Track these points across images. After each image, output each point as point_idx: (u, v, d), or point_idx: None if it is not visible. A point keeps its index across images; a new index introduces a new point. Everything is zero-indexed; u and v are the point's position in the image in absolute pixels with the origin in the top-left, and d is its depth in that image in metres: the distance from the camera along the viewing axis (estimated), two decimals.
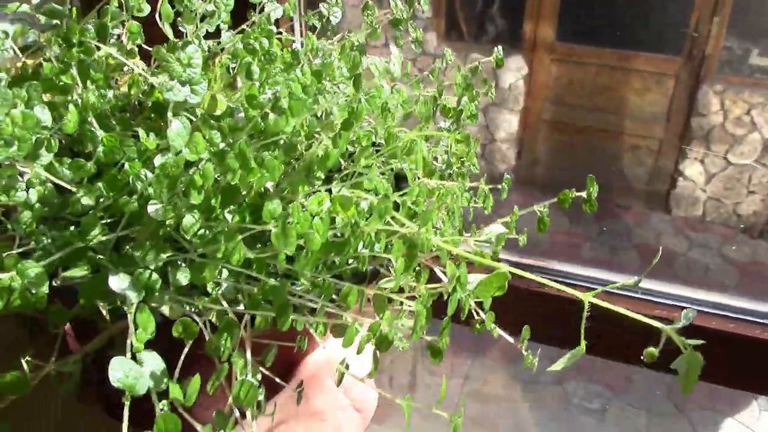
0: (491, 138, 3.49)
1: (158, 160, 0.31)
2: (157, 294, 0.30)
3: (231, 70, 0.40)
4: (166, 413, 0.26)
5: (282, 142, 0.34)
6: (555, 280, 0.88)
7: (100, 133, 0.34)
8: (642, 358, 0.32)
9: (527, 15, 3.69)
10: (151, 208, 0.31)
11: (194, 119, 0.35)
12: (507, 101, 3.59)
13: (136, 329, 0.26)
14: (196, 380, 0.27)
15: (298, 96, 0.35)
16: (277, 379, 0.36)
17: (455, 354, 3.07)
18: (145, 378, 0.26)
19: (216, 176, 0.32)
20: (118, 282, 0.28)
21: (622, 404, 2.84)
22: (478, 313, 0.43)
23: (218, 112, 0.37)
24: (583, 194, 0.45)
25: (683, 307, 0.85)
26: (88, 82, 0.36)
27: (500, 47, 0.48)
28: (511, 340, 0.46)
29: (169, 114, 0.32)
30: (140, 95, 0.39)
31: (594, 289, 0.87)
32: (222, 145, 0.32)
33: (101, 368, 0.35)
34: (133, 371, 0.26)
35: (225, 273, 0.32)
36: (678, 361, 0.30)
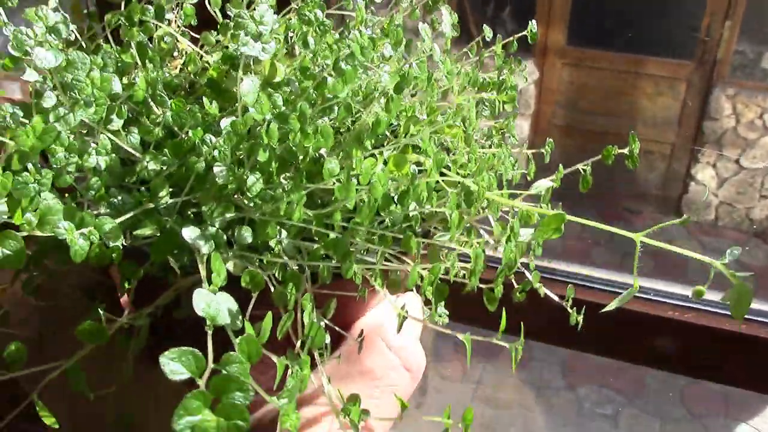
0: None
1: (224, 122, 0.33)
2: (221, 251, 0.30)
3: (288, 40, 0.41)
4: (248, 336, 0.26)
5: (336, 109, 0.34)
6: (569, 283, 0.88)
7: (168, 100, 0.35)
8: (690, 296, 0.33)
9: (538, 19, 3.69)
10: (217, 169, 0.32)
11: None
12: (518, 106, 3.60)
13: (209, 276, 0.26)
14: (268, 318, 0.28)
15: (355, 58, 0.36)
16: (338, 329, 0.37)
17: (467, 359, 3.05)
18: (223, 312, 0.26)
19: (277, 139, 0.32)
20: (189, 232, 0.29)
21: (635, 410, 2.83)
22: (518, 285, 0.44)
23: (277, 79, 0.38)
24: (626, 151, 0.47)
25: (696, 309, 0.85)
26: (147, 62, 0.37)
27: (534, 21, 0.49)
28: (556, 298, 0.46)
29: (240, 72, 0.33)
30: (193, 75, 0.40)
31: (612, 292, 0.87)
32: (283, 108, 0.33)
33: (168, 328, 0.37)
34: (215, 303, 0.26)
35: (284, 234, 0.33)
36: (729, 292, 0.32)
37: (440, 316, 0.44)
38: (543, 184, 0.38)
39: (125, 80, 0.36)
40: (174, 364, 0.25)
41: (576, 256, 3.58)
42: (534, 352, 3.10)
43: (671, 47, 3.62)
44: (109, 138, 0.33)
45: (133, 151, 0.34)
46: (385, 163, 0.33)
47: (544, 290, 0.46)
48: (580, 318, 0.46)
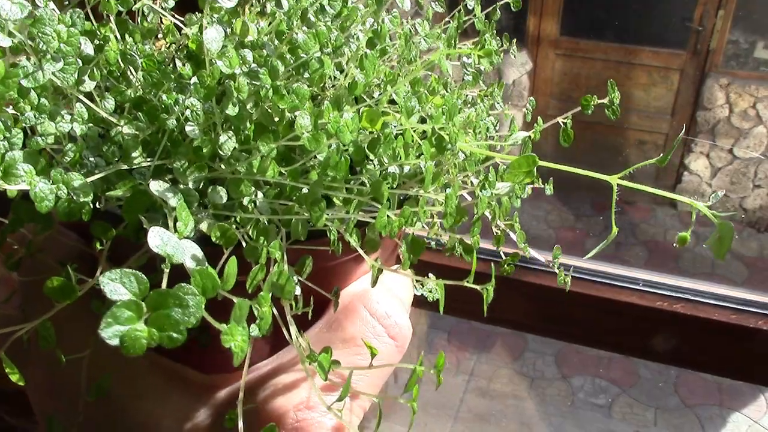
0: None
1: (194, 80, 0.32)
2: (194, 211, 0.30)
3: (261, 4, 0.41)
4: (204, 269, 0.24)
5: (311, 66, 0.34)
6: (557, 274, 0.88)
7: (139, 60, 0.35)
8: (675, 245, 0.33)
9: (531, 10, 3.68)
10: (189, 128, 0.31)
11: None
12: (511, 97, 3.59)
13: (175, 224, 0.26)
14: (232, 262, 0.26)
15: (325, 12, 0.36)
16: (321, 291, 0.36)
17: (460, 350, 3.06)
18: (183, 251, 0.25)
19: (247, 94, 0.32)
20: (157, 185, 0.29)
21: (629, 399, 2.84)
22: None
23: (249, 38, 0.37)
24: (605, 101, 0.45)
25: (686, 299, 0.85)
26: (126, 36, 0.36)
27: None
28: (541, 258, 0.46)
29: (204, 21, 0.32)
30: (175, 52, 0.39)
31: (602, 283, 0.87)
32: (254, 66, 0.32)
33: None
34: (173, 242, 0.25)
35: (260, 195, 0.32)
36: (711, 236, 0.31)
37: (430, 291, 0.43)
38: (520, 135, 0.38)
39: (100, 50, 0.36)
40: (114, 285, 0.23)
41: (569, 247, 3.58)
42: (528, 344, 3.10)
43: (664, 37, 3.61)
44: (84, 104, 0.33)
45: (107, 116, 0.34)
46: (360, 115, 0.32)
47: (530, 251, 0.45)
48: (568, 279, 0.45)
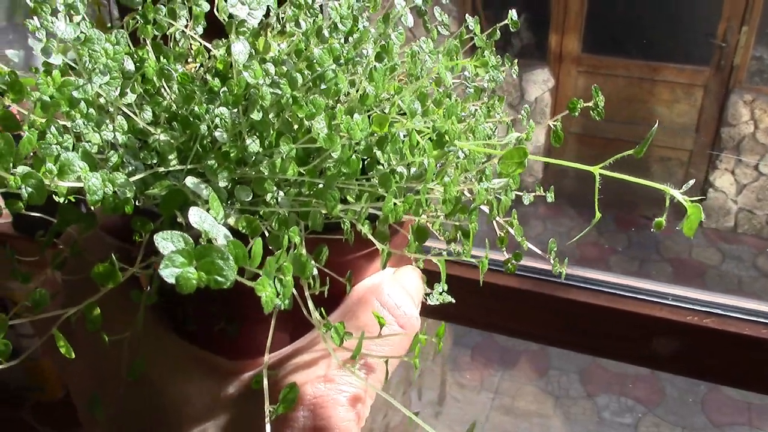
0: None
1: (223, 89, 0.36)
2: (223, 206, 0.33)
3: (280, 20, 0.45)
4: (237, 241, 0.28)
5: (328, 77, 0.38)
6: (585, 288, 0.88)
7: (175, 73, 0.39)
8: (652, 230, 0.37)
9: (552, 27, 3.70)
10: (218, 134, 0.35)
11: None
12: (534, 114, 3.60)
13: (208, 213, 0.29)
14: (258, 243, 0.29)
15: (338, 29, 0.40)
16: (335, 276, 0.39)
17: (484, 367, 3.05)
18: (218, 229, 0.28)
19: (269, 101, 0.36)
20: (191, 180, 0.32)
21: (655, 419, 2.80)
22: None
23: (271, 55, 0.41)
24: (590, 104, 0.48)
25: (717, 314, 0.85)
26: (161, 57, 0.40)
27: (514, 11, 0.51)
28: (538, 251, 0.49)
29: (232, 36, 0.37)
30: (204, 73, 0.43)
31: (624, 296, 0.87)
32: (276, 78, 0.36)
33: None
34: (209, 220, 0.28)
35: (281, 193, 0.36)
36: (685, 218, 0.35)
37: (440, 294, 0.46)
38: (513, 136, 0.41)
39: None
40: (165, 242, 0.27)
41: (593, 263, 3.56)
42: (552, 361, 3.09)
43: (687, 54, 3.61)
44: (125, 113, 0.37)
45: (146, 126, 0.37)
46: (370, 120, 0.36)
47: (527, 244, 0.49)
48: (563, 269, 0.48)
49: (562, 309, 0.90)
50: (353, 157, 0.36)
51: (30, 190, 0.29)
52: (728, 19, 3.36)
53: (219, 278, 0.26)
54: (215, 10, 0.43)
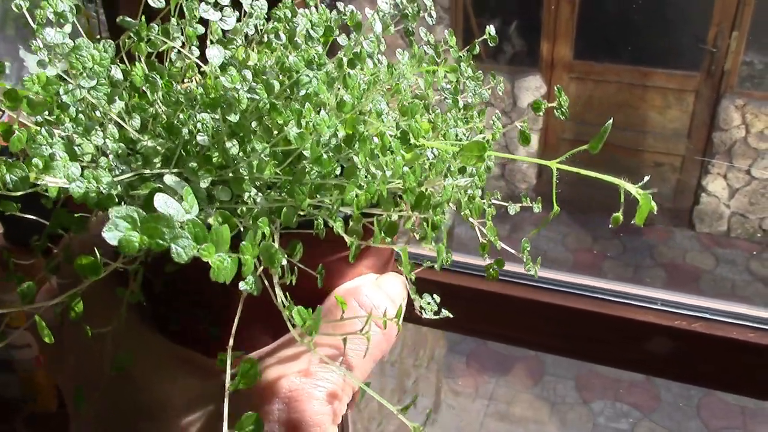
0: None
1: (200, 90, 0.38)
2: (202, 206, 0.35)
3: (259, 31, 0.46)
4: (194, 219, 0.29)
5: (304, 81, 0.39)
6: (580, 295, 0.89)
7: (159, 81, 0.40)
8: (610, 225, 0.38)
9: (544, 34, 3.71)
10: (200, 138, 0.36)
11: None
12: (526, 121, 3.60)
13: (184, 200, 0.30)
14: (225, 228, 0.30)
15: (311, 37, 0.41)
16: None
17: (479, 373, 3.05)
18: (183, 213, 0.29)
19: (251, 117, 0.37)
20: (170, 178, 0.33)
21: (651, 424, 2.81)
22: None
23: (250, 63, 0.42)
24: (554, 104, 0.50)
25: (705, 318, 0.85)
26: (154, 74, 0.41)
27: (492, 27, 0.52)
28: (513, 251, 0.50)
29: (209, 41, 0.39)
30: (196, 86, 0.43)
31: (617, 302, 0.88)
32: (253, 84, 0.37)
33: (166, 294, 0.41)
34: (174, 205, 0.29)
35: (259, 194, 0.37)
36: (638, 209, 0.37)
37: (428, 303, 0.46)
38: (479, 136, 0.42)
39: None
40: (119, 214, 0.28)
41: (586, 269, 3.57)
42: (547, 368, 3.09)
43: (678, 59, 3.63)
44: (114, 120, 0.38)
45: (134, 133, 0.38)
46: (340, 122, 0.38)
47: (500, 244, 0.49)
48: (536, 269, 0.48)
49: (552, 315, 0.90)
50: (324, 156, 0.37)
51: (14, 178, 0.31)
52: (718, 24, 3.39)
53: (161, 241, 0.28)
54: (208, 31, 0.44)
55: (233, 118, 0.36)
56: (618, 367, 0.98)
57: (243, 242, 0.32)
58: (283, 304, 0.37)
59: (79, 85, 0.35)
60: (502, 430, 2.83)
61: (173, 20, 0.43)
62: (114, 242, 0.27)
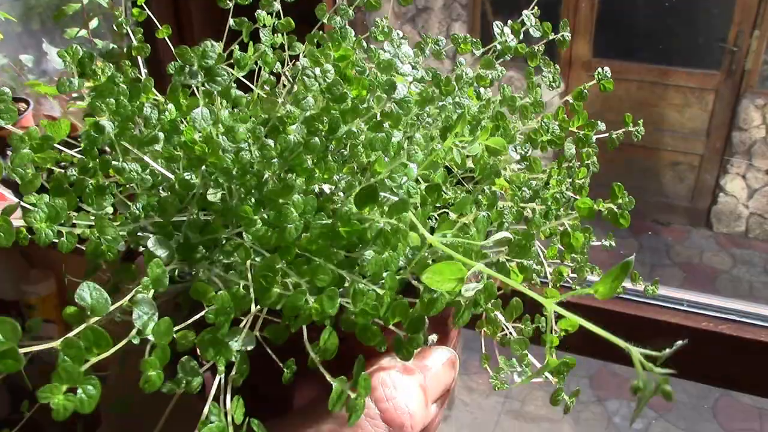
0: None
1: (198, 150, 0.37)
2: (202, 269, 0.35)
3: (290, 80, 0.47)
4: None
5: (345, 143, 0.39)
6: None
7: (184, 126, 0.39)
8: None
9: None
10: (210, 193, 0.36)
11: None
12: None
13: (146, 273, 0.30)
14: (165, 321, 0.30)
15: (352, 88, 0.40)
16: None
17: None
18: (107, 304, 0.29)
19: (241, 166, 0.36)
20: (151, 242, 0.33)
21: (666, 424, 2.79)
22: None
23: (277, 114, 0.41)
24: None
25: (732, 320, 0.84)
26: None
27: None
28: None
29: (200, 102, 0.38)
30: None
31: (645, 303, 0.87)
32: (245, 149, 0.37)
33: None
34: (97, 295, 0.29)
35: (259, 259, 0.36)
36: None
37: (545, 378, 0.46)
38: (476, 147, 0.42)
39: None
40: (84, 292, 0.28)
41: (604, 268, 3.54)
42: None
43: (699, 58, 3.59)
44: (148, 162, 0.38)
45: (165, 172, 0.39)
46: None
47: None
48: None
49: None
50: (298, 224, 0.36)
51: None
52: (739, 23, 3.35)
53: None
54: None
55: (226, 180, 0.36)
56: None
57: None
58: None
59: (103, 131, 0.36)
60: (516, 427, 2.82)
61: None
62: None
